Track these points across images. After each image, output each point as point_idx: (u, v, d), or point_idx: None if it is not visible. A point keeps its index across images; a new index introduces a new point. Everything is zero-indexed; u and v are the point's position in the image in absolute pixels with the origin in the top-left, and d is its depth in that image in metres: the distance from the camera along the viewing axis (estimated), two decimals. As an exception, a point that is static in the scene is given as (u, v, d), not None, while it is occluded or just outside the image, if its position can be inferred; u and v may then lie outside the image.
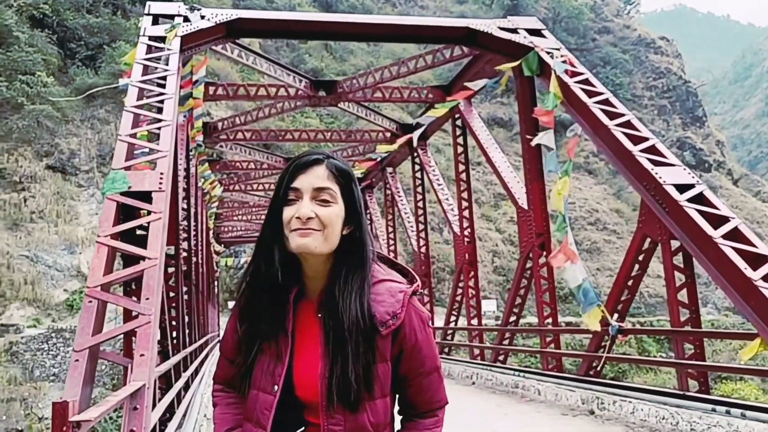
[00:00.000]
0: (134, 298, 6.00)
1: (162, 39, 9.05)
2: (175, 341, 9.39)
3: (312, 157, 1.54)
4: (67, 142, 38.01)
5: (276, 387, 1.50)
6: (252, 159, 20.56)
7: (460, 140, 14.95)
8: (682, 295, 8.38)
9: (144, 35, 9.05)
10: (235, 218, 30.39)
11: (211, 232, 23.93)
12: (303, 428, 1.51)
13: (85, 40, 41.10)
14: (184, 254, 11.28)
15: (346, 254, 1.54)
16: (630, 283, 8.98)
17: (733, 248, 6.84)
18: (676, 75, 66.67)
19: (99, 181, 38.32)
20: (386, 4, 64.53)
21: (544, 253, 11.17)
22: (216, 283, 29.41)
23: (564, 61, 10.00)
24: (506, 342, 13.14)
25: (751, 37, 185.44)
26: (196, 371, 11.37)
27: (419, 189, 18.36)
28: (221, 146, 18.94)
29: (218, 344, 1.73)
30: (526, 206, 11.48)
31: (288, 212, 1.50)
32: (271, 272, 1.53)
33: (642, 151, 8.25)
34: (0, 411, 23.07)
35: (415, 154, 17.62)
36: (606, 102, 9.23)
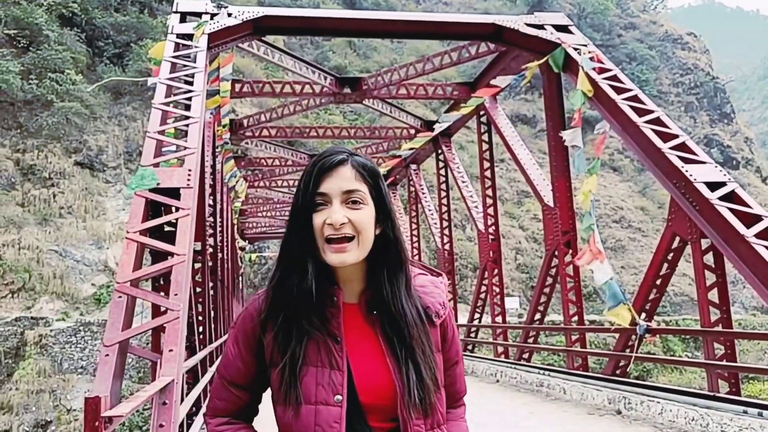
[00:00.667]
0: (162, 294, 6.06)
1: (189, 36, 9.12)
2: (201, 336, 9.48)
3: (336, 158, 1.45)
4: (95, 139, 38.51)
5: (340, 397, 1.39)
6: (276, 156, 20.67)
7: (485, 137, 14.86)
8: (712, 295, 8.25)
9: (172, 32, 9.13)
10: (259, 214, 30.59)
11: (235, 228, 24.11)
12: None
13: (113, 38, 41.60)
14: (210, 250, 11.37)
15: (381, 254, 1.48)
16: (659, 282, 8.86)
17: (767, 247, 6.72)
18: (704, 71, 65.56)
19: (126, 177, 38.75)
20: (410, 1, 64.33)
21: (570, 251, 11.07)
22: (240, 278, 29.62)
23: (591, 58, 9.88)
24: (531, 340, 13.05)
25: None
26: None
27: (443, 186, 18.29)
28: (246, 143, 19.04)
29: (217, 369, 1.57)
30: (552, 204, 11.38)
31: (318, 219, 1.43)
32: (305, 286, 1.44)
33: (672, 148, 8.14)
34: (30, 402, 23.50)
35: (439, 151, 17.55)
36: (635, 98, 9.11)
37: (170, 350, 4.76)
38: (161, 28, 42.10)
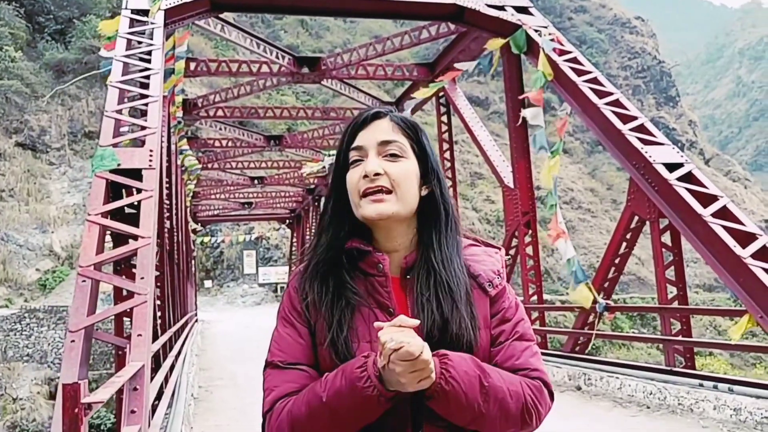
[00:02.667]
0: (124, 277, 5.90)
1: (145, 12, 8.81)
2: (160, 321, 9.28)
3: (372, 111, 1.37)
4: (36, 119, 37.17)
5: None
6: (230, 136, 20.30)
7: (444, 118, 14.88)
8: (669, 273, 8.49)
9: (126, 8, 8.80)
10: (211, 197, 30.06)
11: (188, 210, 23.65)
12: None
13: (54, 13, 40.08)
14: (168, 233, 11.12)
15: (430, 218, 1.36)
16: (617, 261, 9.07)
17: (723, 226, 6.93)
18: (651, 55, 67.22)
19: (71, 158, 37.58)
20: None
21: (530, 231, 11.23)
22: (193, 261, 29.14)
23: (552, 39, 9.96)
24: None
25: (724, 19, 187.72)
26: (180, 351, 11.28)
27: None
28: (200, 123, 18.63)
29: (268, 363, 1.36)
30: (512, 185, 11.49)
31: (353, 174, 1.32)
32: (339, 243, 1.34)
33: (631, 130, 8.29)
34: (-27, 392, 22.73)
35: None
36: (595, 81, 9.24)
37: (139, 335, 4.63)
38: (105, 4, 40.74)
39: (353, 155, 1.34)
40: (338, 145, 1.39)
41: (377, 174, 1.30)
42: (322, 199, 1.40)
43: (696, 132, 67.91)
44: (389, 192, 1.30)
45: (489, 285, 1.37)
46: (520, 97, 10.55)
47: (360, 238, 1.36)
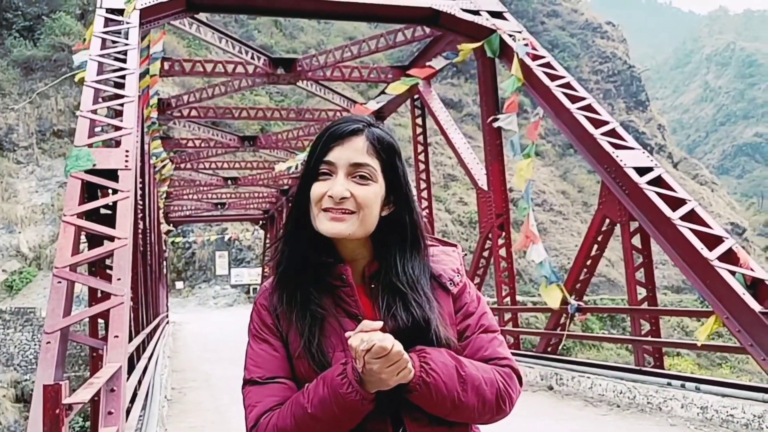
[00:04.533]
0: (99, 278, 5.86)
1: (120, 12, 8.75)
2: (133, 323, 9.21)
3: (351, 127, 1.34)
4: (4, 117, 36.48)
5: None
6: (203, 137, 20.17)
7: (419, 120, 14.99)
8: (639, 275, 8.68)
9: (101, 7, 8.73)
10: (184, 197, 29.79)
11: (161, 211, 23.42)
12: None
13: (23, 10, 39.36)
14: (141, 234, 11.03)
15: (391, 236, 1.38)
16: (589, 263, 9.24)
17: (691, 229, 7.11)
18: (621, 60, 68.18)
19: (39, 157, 36.93)
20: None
21: (503, 233, 11.36)
22: (165, 262, 28.84)
23: (526, 44, 10.11)
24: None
25: (692, 25, 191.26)
26: (153, 352, 11.19)
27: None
28: (174, 123, 18.47)
29: (246, 381, 1.37)
30: (485, 187, 11.62)
31: (319, 188, 1.32)
32: (301, 255, 1.37)
33: (603, 134, 8.46)
34: (-63, 395, 22.22)
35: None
36: (567, 85, 9.40)
37: (116, 336, 4.63)
38: (75, 1, 40.12)
39: (323, 168, 1.34)
40: (309, 151, 1.38)
41: (344, 198, 1.31)
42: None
43: (665, 136, 69.07)
44: (351, 213, 1.32)
45: (450, 283, 1.41)
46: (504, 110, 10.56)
47: (322, 246, 1.37)
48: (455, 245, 1.51)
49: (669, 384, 7.28)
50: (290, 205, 1.44)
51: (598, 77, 65.66)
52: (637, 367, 8.08)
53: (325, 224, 1.32)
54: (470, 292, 1.43)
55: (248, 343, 1.41)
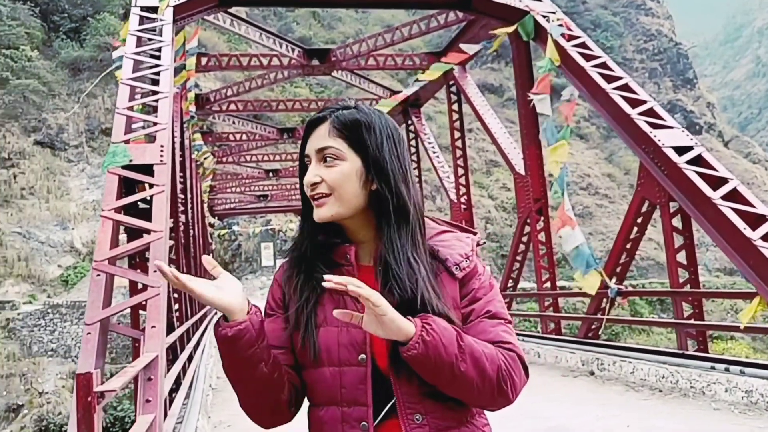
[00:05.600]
0: (139, 271, 6.02)
1: (154, 9, 8.91)
2: (177, 313, 9.44)
3: (318, 116, 1.43)
4: (54, 117, 37.59)
5: (364, 356, 1.34)
6: (244, 130, 20.44)
7: (455, 107, 14.88)
8: (681, 257, 8.48)
9: (136, 6, 8.91)
10: (228, 190, 30.31)
11: (205, 204, 23.87)
12: (394, 400, 1.34)
13: (69, 12, 40.42)
14: (183, 227, 11.28)
15: (383, 211, 1.39)
16: (629, 246, 9.06)
17: (732, 209, 6.91)
18: (667, 37, 66.31)
19: (89, 155, 38.00)
20: (374, -31, 63.49)
21: (542, 218, 11.23)
22: (211, 255, 29.41)
23: (560, 25, 9.92)
24: (504, 307, 13.24)
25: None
26: (198, 343, 11.45)
27: (413, 156, 18.31)
28: (214, 118, 18.78)
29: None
30: (523, 172, 11.49)
31: (303, 181, 1.42)
32: (313, 236, 1.45)
33: (640, 114, 8.26)
34: (0, 387, 23.20)
35: (409, 122, 17.52)
36: (603, 65, 9.20)
37: (153, 326, 4.74)
38: (118, 1, 41.02)
39: (306, 161, 1.43)
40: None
41: (314, 183, 1.38)
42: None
43: (714, 114, 67.02)
44: (327, 196, 1.38)
45: (456, 268, 1.41)
46: (529, 93, 10.45)
47: (333, 230, 1.45)
48: (474, 232, 1.52)
49: (713, 368, 7.10)
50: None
51: (643, 56, 64.01)
52: (680, 351, 7.91)
53: (314, 213, 1.40)
54: (481, 279, 1.43)
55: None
